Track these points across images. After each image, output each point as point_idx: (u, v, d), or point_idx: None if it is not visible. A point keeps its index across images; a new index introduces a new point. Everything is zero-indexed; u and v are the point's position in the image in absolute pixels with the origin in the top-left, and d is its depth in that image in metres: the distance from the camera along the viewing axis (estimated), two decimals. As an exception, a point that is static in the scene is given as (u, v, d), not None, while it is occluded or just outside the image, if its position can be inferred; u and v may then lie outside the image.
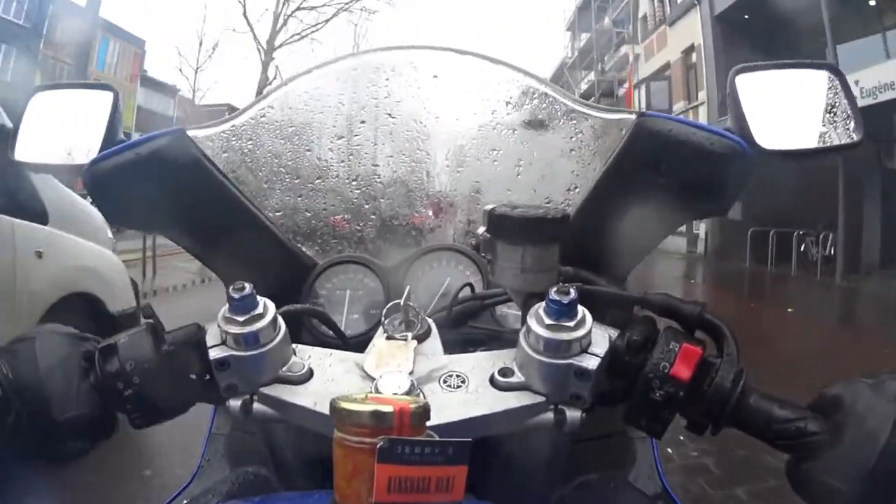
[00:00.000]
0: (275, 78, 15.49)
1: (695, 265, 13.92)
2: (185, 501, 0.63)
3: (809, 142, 0.63)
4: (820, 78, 0.65)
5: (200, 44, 27.52)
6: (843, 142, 0.63)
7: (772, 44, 11.46)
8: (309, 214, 0.72)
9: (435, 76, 0.71)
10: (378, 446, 0.34)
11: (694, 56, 16.01)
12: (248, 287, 0.46)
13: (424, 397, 0.45)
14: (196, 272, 8.42)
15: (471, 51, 0.69)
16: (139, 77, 25.32)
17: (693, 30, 15.49)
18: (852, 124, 0.63)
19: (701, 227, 14.71)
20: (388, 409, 0.35)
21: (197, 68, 20.76)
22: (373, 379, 0.47)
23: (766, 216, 11.50)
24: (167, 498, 0.64)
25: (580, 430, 0.46)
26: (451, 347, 0.53)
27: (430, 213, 0.73)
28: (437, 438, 0.36)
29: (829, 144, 0.63)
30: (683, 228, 11.82)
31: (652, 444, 0.67)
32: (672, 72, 17.57)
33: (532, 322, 0.45)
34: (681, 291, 7.16)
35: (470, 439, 0.36)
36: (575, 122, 0.67)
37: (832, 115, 0.64)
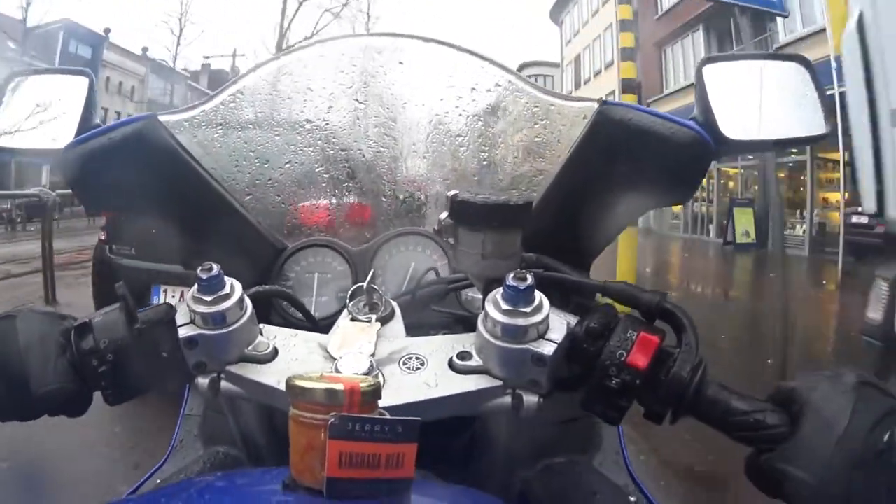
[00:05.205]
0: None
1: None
2: (157, 481, 0.64)
3: (776, 132, 0.63)
4: (789, 69, 0.66)
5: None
6: (809, 133, 0.63)
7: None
8: (279, 198, 0.73)
9: (400, 63, 0.72)
10: (329, 422, 0.35)
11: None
12: (215, 268, 0.47)
13: (384, 378, 0.46)
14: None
15: (436, 38, 0.69)
16: None
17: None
18: (820, 115, 0.64)
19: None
20: (339, 386, 0.36)
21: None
22: (335, 359, 0.48)
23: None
24: (141, 478, 0.65)
25: (539, 414, 0.46)
26: (415, 330, 0.54)
27: (398, 197, 0.73)
28: (388, 417, 0.37)
29: (795, 136, 0.64)
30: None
31: (618, 430, 0.68)
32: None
33: (490, 307, 0.46)
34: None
35: (419, 418, 0.37)
36: (539, 109, 0.68)
37: (800, 106, 0.65)
